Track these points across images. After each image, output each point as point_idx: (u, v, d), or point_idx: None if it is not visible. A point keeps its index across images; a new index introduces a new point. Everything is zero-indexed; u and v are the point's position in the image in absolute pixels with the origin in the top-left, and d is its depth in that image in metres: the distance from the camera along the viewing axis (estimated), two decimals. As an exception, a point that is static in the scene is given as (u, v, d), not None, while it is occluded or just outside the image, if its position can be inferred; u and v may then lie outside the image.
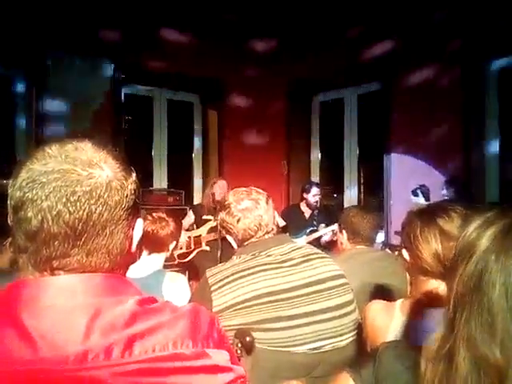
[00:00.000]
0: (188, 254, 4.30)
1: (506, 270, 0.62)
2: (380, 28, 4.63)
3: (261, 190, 1.73)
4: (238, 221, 1.64)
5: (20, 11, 4.05)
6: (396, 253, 2.99)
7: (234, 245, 1.71)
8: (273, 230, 1.68)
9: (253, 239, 1.64)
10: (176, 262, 4.05)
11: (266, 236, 1.65)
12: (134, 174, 0.76)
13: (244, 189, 1.72)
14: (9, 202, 0.69)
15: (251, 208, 1.64)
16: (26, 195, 0.67)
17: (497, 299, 0.61)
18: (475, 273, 0.64)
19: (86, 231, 0.68)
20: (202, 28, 5.07)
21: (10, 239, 2.17)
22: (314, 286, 1.52)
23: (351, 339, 1.53)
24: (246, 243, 1.65)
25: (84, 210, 0.67)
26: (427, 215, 1.27)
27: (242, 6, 4.84)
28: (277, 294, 1.47)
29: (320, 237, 4.35)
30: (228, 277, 1.51)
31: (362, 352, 1.43)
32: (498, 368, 0.60)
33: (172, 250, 2.39)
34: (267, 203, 1.68)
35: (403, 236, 1.34)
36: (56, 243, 0.67)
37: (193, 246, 4.32)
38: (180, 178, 5.67)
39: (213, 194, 4.31)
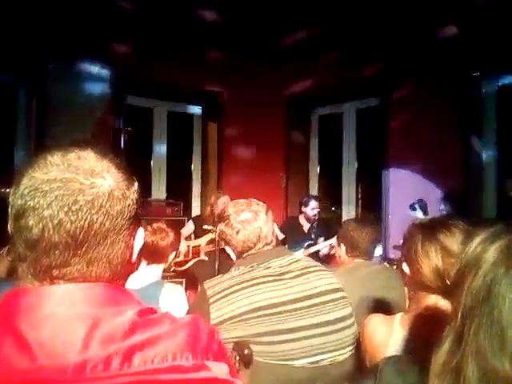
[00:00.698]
0: (185, 262, 4.29)
1: None
2: (379, 43, 4.67)
3: (260, 202, 1.73)
4: (238, 232, 1.63)
5: (22, 19, 4.07)
6: (394, 267, 2.98)
7: (233, 256, 1.70)
8: (272, 242, 1.67)
9: (252, 251, 1.63)
10: (172, 270, 4.02)
11: (265, 248, 1.64)
12: (135, 184, 0.76)
13: (244, 200, 1.72)
14: (10, 210, 0.69)
15: (251, 220, 1.64)
16: (28, 203, 0.66)
17: (507, 312, 0.61)
18: (483, 286, 0.64)
19: (87, 240, 0.68)
20: (203, 41, 5.11)
21: (7, 247, 2.16)
22: (313, 300, 1.51)
23: (350, 353, 1.52)
24: (244, 255, 1.64)
25: (85, 220, 0.67)
26: (429, 230, 1.27)
27: (245, 20, 4.89)
28: (275, 307, 1.46)
29: (318, 251, 4.34)
30: (226, 289, 1.50)
31: (361, 366, 1.41)
32: (507, 380, 0.60)
33: (171, 261, 2.38)
34: (267, 215, 1.67)
35: (404, 250, 1.34)
36: (56, 252, 0.67)
37: (191, 256, 4.31)
38: (179, 189, 5.67)
39: (211, 206, 4.32)
